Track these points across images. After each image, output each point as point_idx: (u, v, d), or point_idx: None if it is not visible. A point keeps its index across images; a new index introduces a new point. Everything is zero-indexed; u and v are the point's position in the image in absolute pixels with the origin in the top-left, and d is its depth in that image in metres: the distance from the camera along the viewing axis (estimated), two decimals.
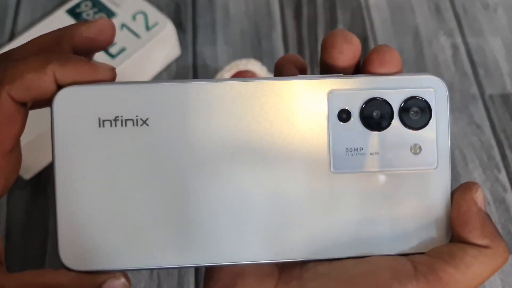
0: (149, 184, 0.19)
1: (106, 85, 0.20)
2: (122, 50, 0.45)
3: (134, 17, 0.47)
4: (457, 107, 0.48)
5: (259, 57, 0.51)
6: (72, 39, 0.21)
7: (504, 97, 0.49)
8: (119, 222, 0.20)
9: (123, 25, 0.47)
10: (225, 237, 0.20)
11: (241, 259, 0.20)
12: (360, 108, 0.21)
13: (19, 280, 0.19)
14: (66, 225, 0.20)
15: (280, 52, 0.51)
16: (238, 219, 0.20)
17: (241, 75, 0.44)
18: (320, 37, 0.53)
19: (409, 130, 0.21)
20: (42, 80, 0.20)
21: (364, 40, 0.52)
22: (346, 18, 0.54)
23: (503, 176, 0.45)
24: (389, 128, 0.21)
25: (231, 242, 0.20)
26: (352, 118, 0.21)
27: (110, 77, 0.21)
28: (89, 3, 0.49)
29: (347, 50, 0.21)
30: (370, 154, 0.21)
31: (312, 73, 0.50)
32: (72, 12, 0.48)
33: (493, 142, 0.47)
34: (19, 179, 0.43)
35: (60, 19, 0.48)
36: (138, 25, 0.47)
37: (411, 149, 0.21)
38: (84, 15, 0.48)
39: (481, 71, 0.51)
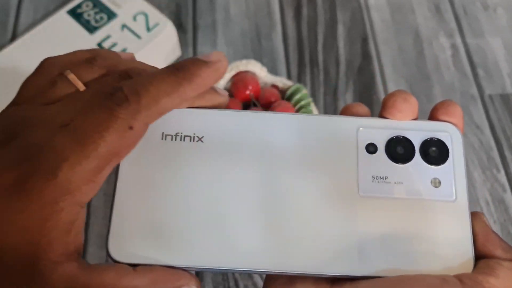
0: (202, 192, 0.22)
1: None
2: (123, 50, 0.46)
3: (135, 18, 0.48)
4: None
5: (259, 57, 0.51)
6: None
7: (504, 98, 0.50)
8: (172, 220, 0.22)
9: (124, 26, 0.47)
10: (275, 246, 0.22)
11: (289, 269, 0.22)
12: (385, 143, 0.23)
13: (102, 279, 0.19)
14: (119, 220, 0.21)
15: (280, 52, 0.52)
16: (280, 231, 0.22)
17: (241, 75, 0.44)
18: (320, 37, 0.53)
19: (429, 166, 0.23)
20: (175, 104, 0.21)
21: (363, 41, 0.53)
22: (346, 18, 0.54)
23: (502, 176, 0.46)
24: (411, 162, 0.23)
25: (279, 251, 0.22)
26: (378, 151, 0.23)
27: (225, 102, 0.24)
28: (90, 4, 0.49)
29: (406, 110, 0.24)
30: (395, 183, 0.23)
31: (313, 73, 0.51)
32: (73, 12, 0.49)
33: (492, 143, 0.47)
34: None
35: (61, 20, 0.48)
36: (139, 26, 0.47)
37: (431, 182, 0.23)
38: (85, 16, 0.48)
39: (480, 72, 0.51)
